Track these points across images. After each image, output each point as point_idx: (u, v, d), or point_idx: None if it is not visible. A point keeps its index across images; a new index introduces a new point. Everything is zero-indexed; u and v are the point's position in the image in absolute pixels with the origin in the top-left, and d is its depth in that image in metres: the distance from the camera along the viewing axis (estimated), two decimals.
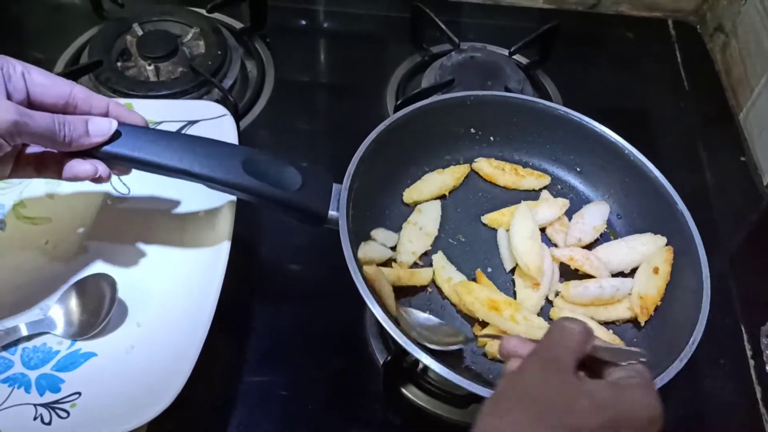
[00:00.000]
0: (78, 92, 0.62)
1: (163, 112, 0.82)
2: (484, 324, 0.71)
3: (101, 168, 0.63)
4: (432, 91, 0.95)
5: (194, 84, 0.93)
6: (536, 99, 0.84)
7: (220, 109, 0.81)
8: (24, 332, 0.67)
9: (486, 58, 1.01)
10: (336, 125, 0.99)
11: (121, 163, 0.64)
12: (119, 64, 0.96)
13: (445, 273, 0.75)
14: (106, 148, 0.62)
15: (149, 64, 0.95)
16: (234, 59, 0.99)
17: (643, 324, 0.72)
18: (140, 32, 0.98)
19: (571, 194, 0.84)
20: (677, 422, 0.74)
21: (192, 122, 0.81)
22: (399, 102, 0.92)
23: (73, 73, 0.93)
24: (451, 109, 0.82)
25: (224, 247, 0.70)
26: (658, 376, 0.61)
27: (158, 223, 0.76)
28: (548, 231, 0.80)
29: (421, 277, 0.74)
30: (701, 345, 0.77)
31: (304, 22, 1.12)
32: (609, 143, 0.80)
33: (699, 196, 0.93)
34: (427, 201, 0.81)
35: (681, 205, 0.75)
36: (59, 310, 0.69)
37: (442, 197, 0.82)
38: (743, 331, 0.81)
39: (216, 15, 1.05)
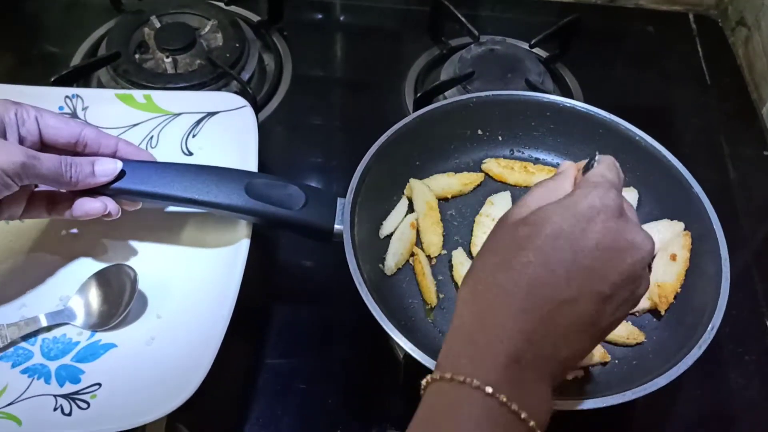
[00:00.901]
0: (88, 132, 0.67)
1: (182, 104, 0.82)
2: None
3: (111, 205, 0.66)
4: (451, 84, 0.94)
5: (212, 76, 0.93)
6: (539, 94, 0.83)
7: (240, 101, 0.81)
8: (44, 323, 0.67)
9: (506, 51, 1.00)
10: (354, 120, 0.98)
11: (128, 197, 0.68)
12: (137, 56, 0.95)
13: (464, 269, 0.73)
14: (114, 185, 0.66)
15: (167, 57, 0.94)
16: (252, 52, 0.99)
17: (663, 313, 0.71)
18: (158, 24, 0.97)
19: None
20: (702, 419, 0.73)
21: (211, 113, 0.81)
22: (418, 95, 0.91)
23: (90, 65, 0.92)
24: (454, 112, 0.81)
25: (243, 245, 0.70)
26: (677, 364, 0.60)
27: (179, 218, 0.75)
28: None
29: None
30: (726, 341, 0.77)
31: (320, 16, 1.11)
32: (619, 131, 0.79)
33: (722, 192, 0.91)
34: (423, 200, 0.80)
35: (697, 188, 0.73)
36: (79, 301, 0.69)
37: (444, 199, 0.81)
38: None
39: (233, 8, 1.05)
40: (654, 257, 0.49)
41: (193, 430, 0.68)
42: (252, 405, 0.70)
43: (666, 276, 0.71)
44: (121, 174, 0.66)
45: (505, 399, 0.43)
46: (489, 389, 0.43)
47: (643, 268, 0.49)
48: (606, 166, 0.52)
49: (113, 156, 0.68)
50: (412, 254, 0.75)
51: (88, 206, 0.66)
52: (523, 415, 0.43)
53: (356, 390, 0.73)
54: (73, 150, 0.67)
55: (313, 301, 0.79)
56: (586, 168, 0.53)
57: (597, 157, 0.53)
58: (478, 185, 0.82)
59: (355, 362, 0.75)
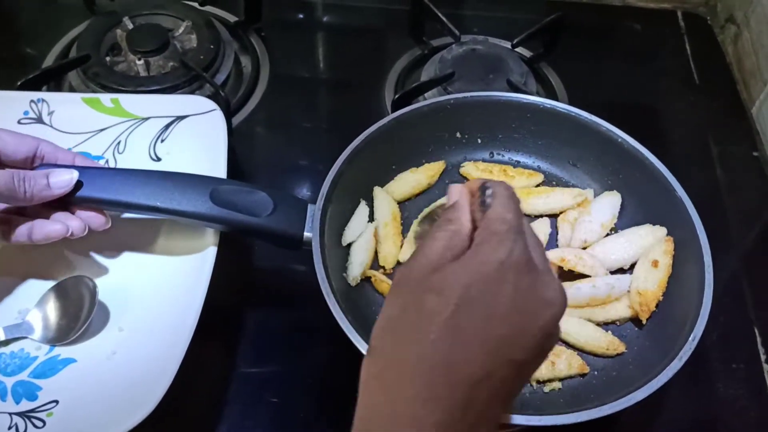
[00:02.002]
0: (44, 147, 0.66)
1: (150, 108, 0.79)
2: None
3: (73, 224, 0.64)
4: (431, 85, 0.92)
5: (185, 79, 0.90)
6: (519, 95, 0.81)
7: (210, 104, 0.79)
8: (1, 337, 0.64)
9: (488, 50, 0.98)
10: (332, 122, 0.96)
11: (90, 206, 0.66)
12: (108, 58, 0.93)
13: None
14: (75, 195, 0.64)
15: (139, 59, 0.92)
16: (227, 54, 0.96)
17: (644, 322, 0.69)
18: (131, 26, 0.95)
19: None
20: (689, 429, 0.71)
21: (180, 117, 0.79)
22: (397, 96, 0.88)
23: (60, 67, 0.90)
24: (431, 114, 0.78)
25: (210, 253, 0.68)
26: (657, 376, 0.58)
27: (144, 227, 0.73)
28: (559, 222, 0.77)
29: None
30: (713, 348, 0.75)
31: (301, 16, 1.09)
32: (601, 132, 0.76)
33: (710, 193, 0.89)
34: (400, 201, 0.78)
35: (681, 192, 0.71)
36: (38, 315, 0.66)
37: (417, 196, 0.79)
38: (757, 334, 0.77)
39: (209, 8, 1.03)
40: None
41: None
42: (221, 419, 0.68)
43: (647, 283, 0.69)
44: (79, 184, 0.64)
45: None
46: None
47: (557, 324, 0.44)
48: (502, 203, 0.46)
49: None
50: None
51: (49, 229, 0.64)
52: None
53: (330, 403, 0.70)
54: (31, 166, 0.65)
55: (288, 306, 0.77)
56: (482, 201, 0.46)
57: (488, 191, 0.46)
58: (443, 172, 0.80)
59: (330, 371, 0.72)
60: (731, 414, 0.72)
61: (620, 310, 0.70)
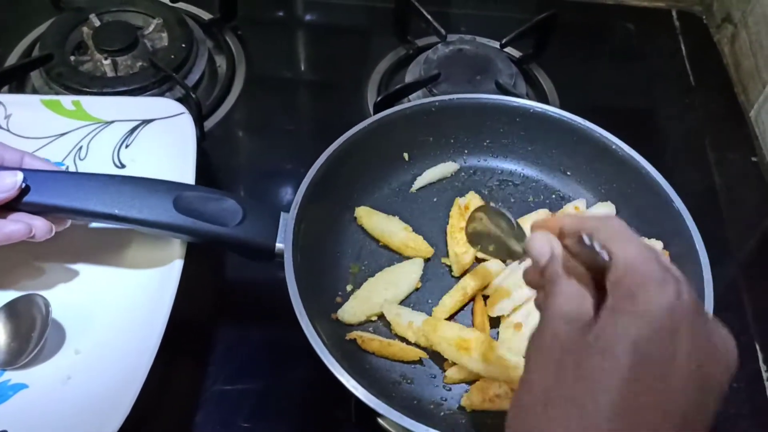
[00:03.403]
0: None
1: (114, 111, 0.75)
2: None
3: (38, 224, 0.59)
4: (415, 87, 0.88)
5: (155, 80, 0.85)
6: (507, 97, 0.77)
7: (178, 107, 0.74)
8: None
9: (475, 50, 0.93)
10: (312, 124, 0.92)
11: (44, 214, 0.60)
12: (73, 58, 0.88)
13: (403, 320, 0.65)
14: (22, 200, 0.59)
15: (106, 58, 0.87)
16: (201, 53, 0.92)
17: None
18: (97, 23, 0.90)
19: (561, 201, 0.76)
20: None
21: (146, 121, 0.74)
22: (379, 98, 0.84)
23: (20, 67, 0.85)
24: (415, 117, 0.74)
25: (176, 266, 0.63)
26: None
27: (103, 237, 0.68)
28: None
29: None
30: None
31: (280, 13, 1.05)
32: (594, 138, 0.73)
33: (707, 200, 0.86)
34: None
35: (678, 203, 0.67)
36: None
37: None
38: (758, 350, 0.74)
39: (181, 5, 0.98)
40: None
41: None
42: None
43: None
44: (27, 188, 0.59)
45: None
46: None
47: (729, 382, 0.38)
48: (628, 240, 0.40)
49: None
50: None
51: (10, 229, 0.58)
52: None
53: (304, 428, 0.67)
54: None
55: (262, 320, 0.73)
56: (589, 246, 0.41)
57: (598, 235, 0.40)
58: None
59: (304, 396, 0.68)
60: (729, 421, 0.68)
61: None
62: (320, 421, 0.67)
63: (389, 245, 0.71)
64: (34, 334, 0.60)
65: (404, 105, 0.75)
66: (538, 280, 0.43)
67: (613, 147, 0.72)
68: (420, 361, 0.64)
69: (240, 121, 0.90)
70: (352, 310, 0.66)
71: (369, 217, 0.72)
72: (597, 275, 0.40)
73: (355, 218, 0.73)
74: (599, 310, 0.38)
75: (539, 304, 0.45)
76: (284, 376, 0.69)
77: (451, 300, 0.67)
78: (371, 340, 0.64)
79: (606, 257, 0.39)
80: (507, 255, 0.54)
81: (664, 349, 0.35)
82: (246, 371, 0.69)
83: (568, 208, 0.73)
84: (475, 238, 0.60)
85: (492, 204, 0.45)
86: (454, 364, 0.63)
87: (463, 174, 0.77)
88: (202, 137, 0.83)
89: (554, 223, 0.43)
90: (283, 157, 0.87)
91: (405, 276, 0.69)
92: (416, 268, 0.70)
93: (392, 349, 0.64)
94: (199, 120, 0.80)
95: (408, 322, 0.65)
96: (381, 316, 0.67)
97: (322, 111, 0.94)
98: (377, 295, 0.67)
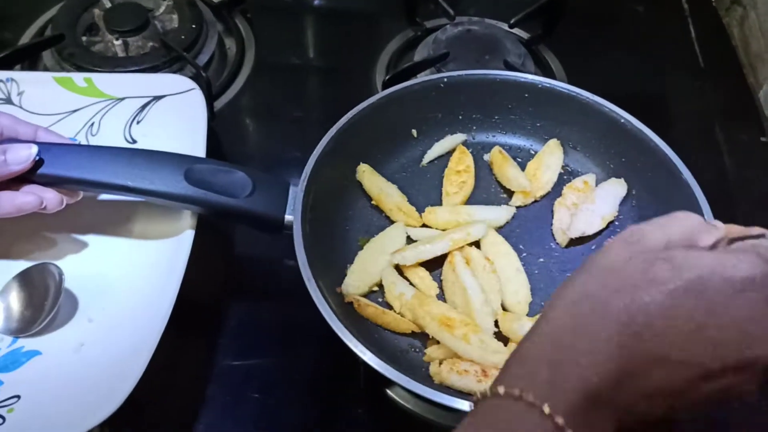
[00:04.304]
0: (3, 120, 0.61)
1: (126, 87, 0.76)
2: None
3: (48, 196, 0.60)
4: (424, 66, 0.88)
5: (165, 60, 0.86)
6: (516, 73, 0.77)
7: (189, 83, 0.75)
8: None
9: (484, 31, 0.93)
10: (320, 106, 0.92)
11: (57, 186, 0.62)
12: (85, 38, 0.89)
13: (397, 289, 0.65)
14: (36, 172, 0.60)
15: (117, 39, 0.87)
16: (210, 35, 0.92)
17: None
18: (108, 5, 0.91)
19: (570, 176, 0.76)
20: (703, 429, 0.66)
21: (157, 98, 0.75)
22: (388, 77, 0.84)
23: (32, 47, 0.86)
24: (423, 93, 0.74)
25: (187, 236, 0.64)
26: None
27: (115, 209, 0.69)
28: (555, 205, 0.73)
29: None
30: None
31: None
32: (603, 113, 0.73)
33: (717, 182, 0.86)
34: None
35: (687, 175, 0.67)
36: (0, 305, 0.62)
37: None
38: None
39: None
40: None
41: None
42: (200, 417, 0.64)
43: None
44: (40, 161, 0.60)
45: None
46: (560, 420, 0.37)
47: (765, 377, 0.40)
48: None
49: None
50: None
51: (21, 200, 0.59)
52: None
53: (314, 400, 0.66)
54: None
55: (273, 298, 0.73)
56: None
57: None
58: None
59: (314, 369, 0.68)
60: (741, 415, 0.67)
61: None
62: (330, 393, 0.67)
63: (381, 206, 0.71)
64: (48, 303, 0.61)
65: (412, 81, 0.75)
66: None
67: (622, 121, 0.71)
68: (416, 334, 0.64)
69: (249, 102, 0.91)
70: (354, 282, 0.66)
71: (370, 175, 0.72)
72: None
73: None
74: None
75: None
76: (295, 351, 0.69)
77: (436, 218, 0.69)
78: (367, 306, 0.64)
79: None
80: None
81: (719, 296, 0.39)
82: (256, 346, 0.69)
83: (577, 182, 0.74)
84: None
85: None
86: (436, 342, 0.62)
87: (471, 150, 0.77)
88: (211, 117, 0.83)
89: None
90: (290, 137, 0.87)
91: (390, 241, 0.69)
92: (400, 231, 0.70)
93: (386, 318, 0.63)
94: (209, 99, 0.80)
95: (399, 292, 0.64)
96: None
97: (329, 93, 0.94)
98: (372, 265, 0.67)
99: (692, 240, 0.42)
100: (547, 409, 0.37)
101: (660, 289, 0.39)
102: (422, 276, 0.67)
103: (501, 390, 0.38)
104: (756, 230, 0.44)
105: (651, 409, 0.40)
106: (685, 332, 0.38)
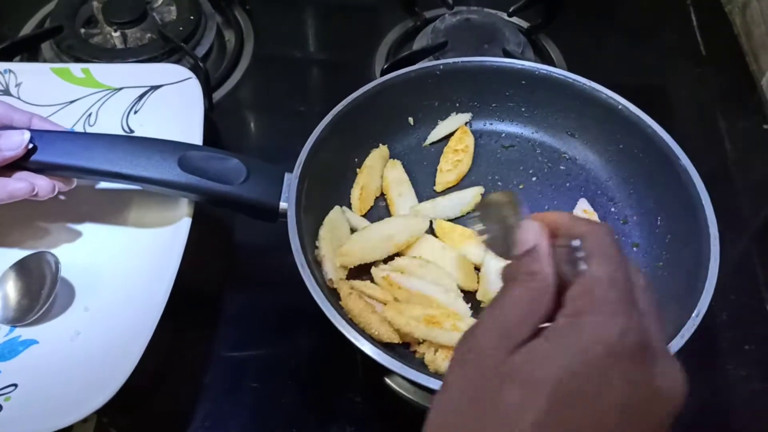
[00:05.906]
0: None
1: (123, 77, 0.76)
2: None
3: (41, 183, 0.60)
4: (423, 54, 0.87)
5: (163, 51, 0.86)
6: (513, 60, 0.76)
7: (185, 72, 0.75)
8: None
9: (482, 20, 0.93)
10: (317, 97, 0.92)
11: (51, 173, 0.62)
12: (83, 30, 0.89)
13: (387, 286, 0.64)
14: (30, 158, 0.60)
15: (115, 30, 0.88)
16: (209, 26, 0.92)
17: None
18: None
19: (567, 162, 0.76)
20: (697, 415, 0.66)
21: (155, 87, 0.75)
22: (386, 65, 0.84)
23: (31, 39, 0.87)
24: (419, 81, 0.74)
25: (183, 225, 0.64)
26: None
27: (110, 197, 0.69)
28: None
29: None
30: (723, 328, 0.70)
31: None
32: (600, 100, 0.72)
33: (719, 170, 0.85)
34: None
35: (684, 160, 0.66)
36: None
37: None
38: None
39: None
40: None
41: None
42: (198, 406, 0.64)
43: None
44: (34, 148, 0.60)
45: None
46: None
47: (671, 422, 0.35)
48: (607, 256, 0.35)
49: None
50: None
51: (12, 187, 0.59)
52: None
53: (313, 388, 0.67)
54: None
55: (272, 287, 0.73)
56: (573, 248, 0.37)
57: (585, 240, 0.36)
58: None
59: (313, 358, 0.68)
60: (743, 396, 0.67)
61: None
62: (328, 382, 0.67)
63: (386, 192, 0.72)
64: (44, 291, 0.61)
65: (409, 68, 0.74)
66: (509, 270, 0.39)
67: (620, 107, 0.71)
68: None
69: (248, 93, 0.91)
70: (350, 250, 0.65)
71: (392, 167, 0.73)
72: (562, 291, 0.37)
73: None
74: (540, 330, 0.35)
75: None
76: (293, 340, 0.69)
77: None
78: (358, 299, 0.61)
79: (584, 267, 0.36)
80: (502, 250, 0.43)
81: (590, 391, 0.32)
82: (255, 335, 0.69)
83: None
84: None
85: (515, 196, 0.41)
86: (420, 343, 0.60)
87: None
88: (210, 108, 0.83)
89: (552, 218, 0.39)
90: (288, 128, 0.87)
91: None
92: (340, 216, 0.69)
93: (370, 318, 0.60)
94: (207, 90, 0.81)
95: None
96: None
97: (327, 84, 0.94)
98: (366, 239, 0.66)
99: (533, 314, 0.35)
100: None
101: (521, 427, 0.32)
102: (373, 286, 0.64)
103: None
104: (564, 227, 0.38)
105: None
106: None
